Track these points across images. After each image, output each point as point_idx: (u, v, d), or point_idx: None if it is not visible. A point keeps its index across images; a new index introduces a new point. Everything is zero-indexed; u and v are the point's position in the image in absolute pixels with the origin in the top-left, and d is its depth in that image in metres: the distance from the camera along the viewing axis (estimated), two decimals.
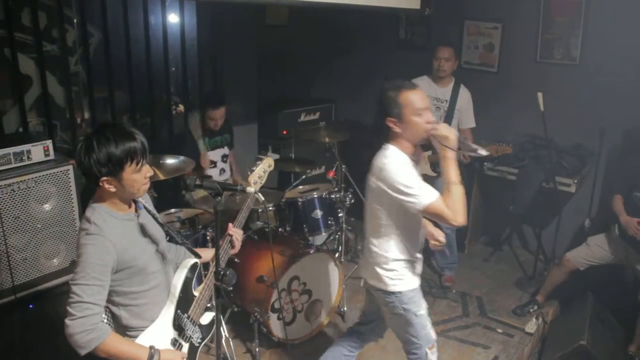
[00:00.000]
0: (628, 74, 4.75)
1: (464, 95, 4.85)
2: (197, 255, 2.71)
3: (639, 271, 4.22)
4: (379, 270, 2.97)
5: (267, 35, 6.22)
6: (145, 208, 2.50)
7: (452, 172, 2.69)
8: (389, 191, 2.71)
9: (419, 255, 3.06)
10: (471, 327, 4.57)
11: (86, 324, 2.15)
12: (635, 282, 4.36)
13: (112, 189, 2.28)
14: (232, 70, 5.97)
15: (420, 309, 3.00)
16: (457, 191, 2.66)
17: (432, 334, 3.07)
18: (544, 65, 5.37)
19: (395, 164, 2.72)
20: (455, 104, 4.82)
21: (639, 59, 4.67)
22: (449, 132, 2.71)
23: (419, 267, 3.07)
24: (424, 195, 2.64)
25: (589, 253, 4.43)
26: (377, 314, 3.22)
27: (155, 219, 2.55)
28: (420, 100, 2.76)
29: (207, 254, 2.84)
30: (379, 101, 2.83)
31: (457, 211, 2.63)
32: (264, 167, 3.14)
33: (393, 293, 2.96)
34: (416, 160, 2.88)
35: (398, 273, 2.95)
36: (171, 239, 2.68)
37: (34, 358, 3.64)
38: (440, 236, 3.15)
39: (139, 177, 2.33)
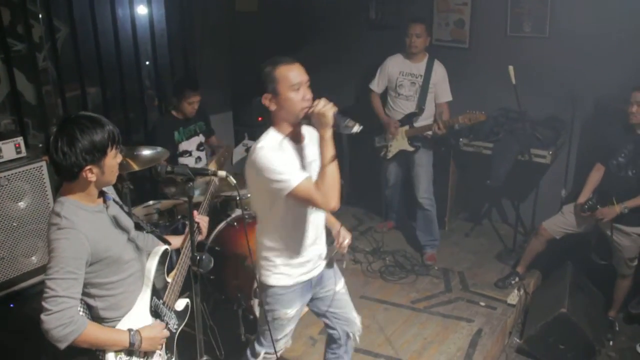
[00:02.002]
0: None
1: (438, 70, 4.91)
2: (167, 242, 2.73)
3: (610, 237, 4.29)
4: (258, 257, 2.85)
5: (238, 22, 6.18)
6: (113, 199, 2.50)
7: (328, 154, 2.50)
8: (260, 174, 2.53)
9: (306, 253, 2.82)
10: (454, 302, 4.62)
11: (62, 317, 2.14)
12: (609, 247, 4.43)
13: (93, 178, 2.27)
14: (204, 58, 5.93)
15: (282, 311, 2.85)
16: (331, 174, 2.49)
17: (281, 344, 2.95)
18: (514, 39, 5.39)
19: (267, 147, 2.55)
20: (430, 79, 4.89)
21: (607, 29, 4.70)
22: (326, 109, 2.49)
23: (307, 268, 2.86)
24: (292, 177, 2.47)
25: (564, 221, 4.49)
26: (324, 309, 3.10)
27: (122, 208, 2.55)
28: (297, 75, 2.57)
29: (176, 240, 2.86)
30: (257, 80, 2.64)
31: (329, 195, 2.47)
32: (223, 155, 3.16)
33: (262, 284, 2.84)
34: (299, 141, 2.72)
35: (272, 264, 2.80)
36: (139, 228, 2.68)
37: (16, 358, 3.62)
38: (347, 239, 2.94)
39: (116, 162, 2.35)
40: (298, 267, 2.82)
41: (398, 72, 4.97)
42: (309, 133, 2.76)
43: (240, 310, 3.92)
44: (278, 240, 2.77)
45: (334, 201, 2.49)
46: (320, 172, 2.54)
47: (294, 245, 2.78)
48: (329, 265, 3.02)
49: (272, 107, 2.60)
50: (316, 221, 2.83)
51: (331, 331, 3.19)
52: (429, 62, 4.90)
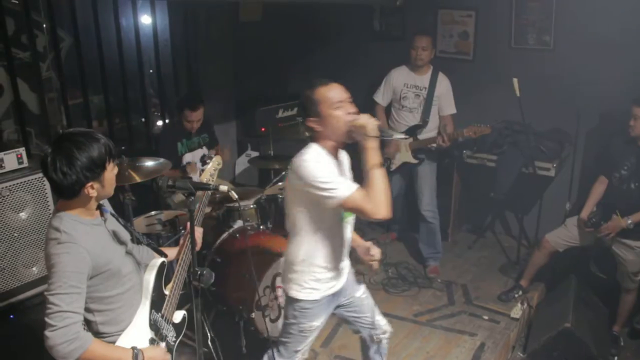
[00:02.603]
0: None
1: (443, 82, 4.92)
2: (163, 254, 2.72)
3: (615, 252, 4.27)
4: (287, 271, 2.91)
5: (242, 32, 6.18)
6: (110, 212, 2.49)
7: (374, 161, 2.55)
8: (307, 188, 2.58)
9: (335, 268, 2.89)
10: (457, 315, 4.58)
11: (68, 333, 2.11)
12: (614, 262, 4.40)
13: (95, 194, 2.27)
14: (207, 69, 5.93)
15: (307, 324, 2.92)
16: (379, 182, 2.51)
17: (299, 355, 3.03)
18: (518, 51, 5.38)
19: (313, 160, 2.61)
20: (434, 91, 4.89)
21: (611, 41, 4.69)
22: (367, 121, 2.57)
23: (334, 282, 2.92)
24: (342, 188, 2.52)
25: (567, 234, 4.46)
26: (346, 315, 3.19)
27: (119, 221, 2.54)
28: (337, 94, 2.65)
29: (172, 252, 2.86)
30: (300, 104, 2.79)
31: (378, 204, 2.48)
32: (214, 165, 3.17)
33: (290, 298, 2.90)
34: (336, 158, 2.78)
35: (302, 279, 2.85)
36: (135, 240, 2.67)
37: None
38: (376, 252, 3.00)
39: (114, 175, 2.35)
40: (326, 282, 2.89)
41: (402, 84, 4.97)
42: (342, 155, 2.85)
43: (241, 322, 3.90)
44: (312, 255, 2.81)
45: (384, 210, 2.49)
46: (368, 181, 2.54)
47: (328, 260, 2.83)
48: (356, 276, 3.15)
49: (318, 129, 2.68)
50: (347, 237, 2.91)
51: (359, 334, 3.31)
52: (433, 74, 4.90)
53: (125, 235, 2.55)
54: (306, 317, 2.91)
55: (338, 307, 3.10)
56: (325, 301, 2.93)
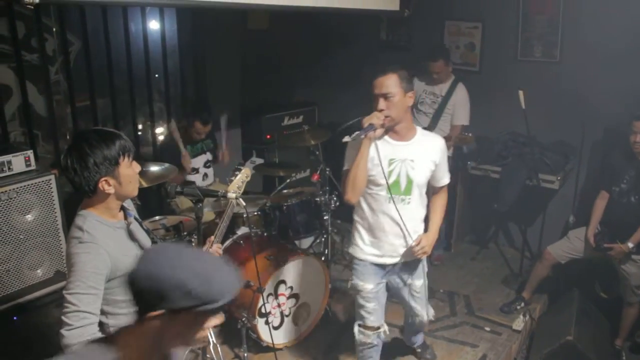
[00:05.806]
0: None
1: (459, 92, 5.03)
2: None
3: (618, 265, 4.27)
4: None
5: (249, 40, 6.21)
6: (134, 216, 2.50)
7: (359, 155, 3.02)
8: None
9: (383, 236, 3.24)
10: (459, 326, 4.58)
11: (85, 333, 2.11)
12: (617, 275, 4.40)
13: (111, 190, 2.27)
14: (214, 75, 5.95)
15: (354, 280, 3.36)
16: (352, 173, 3.02)
17: (368, 319, 3.37)
18: (524, 64, 5.41)
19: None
20: (449, 100, 5.02)
21: (618, 55, 4.70)
22: (365, 120, 2.99)
23: (383, 248, 3.26)
24: (347, 164, 3.12)
25: (569, 246, 4.47)
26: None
27: (142, 226, 2.55)
28: (375, 88, 3.02)
29: None
30: None
31: (346, 188, 3.08)
32: (242, 177, 3.17)
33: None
34: (399, 140, 3.14)
35: (352, 236, 3.38)
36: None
37: None
38: (425, 247, 3.22)
39: (133, 172, 2.35)
40: (372, 245, 3.30)
41: (422, 89, 5.10)
42: (423, 138, 3.19)
43: (243, 329, 3.90)
44: (358, 218, 3.32)
45: (347, 195, 3.10)
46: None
47: (371, 226, 3.26)
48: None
49: None
50: (390, 214, 3.18)
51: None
52: (452, 84, 5.05)
53: (146, 240, 2.55)
54: (352, 273, 3.38)
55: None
56: (369, 265, 3.32)
